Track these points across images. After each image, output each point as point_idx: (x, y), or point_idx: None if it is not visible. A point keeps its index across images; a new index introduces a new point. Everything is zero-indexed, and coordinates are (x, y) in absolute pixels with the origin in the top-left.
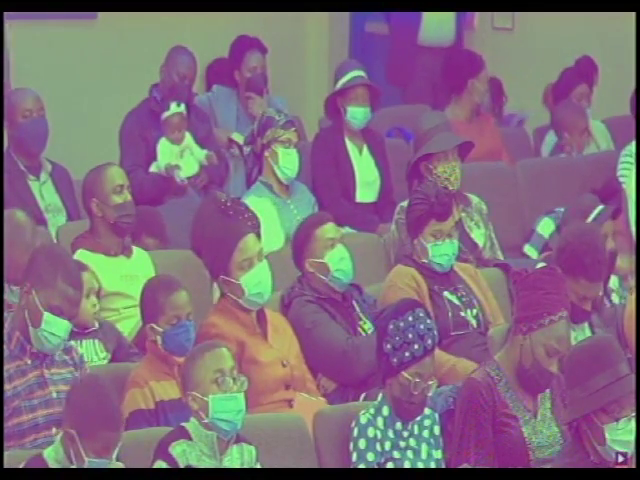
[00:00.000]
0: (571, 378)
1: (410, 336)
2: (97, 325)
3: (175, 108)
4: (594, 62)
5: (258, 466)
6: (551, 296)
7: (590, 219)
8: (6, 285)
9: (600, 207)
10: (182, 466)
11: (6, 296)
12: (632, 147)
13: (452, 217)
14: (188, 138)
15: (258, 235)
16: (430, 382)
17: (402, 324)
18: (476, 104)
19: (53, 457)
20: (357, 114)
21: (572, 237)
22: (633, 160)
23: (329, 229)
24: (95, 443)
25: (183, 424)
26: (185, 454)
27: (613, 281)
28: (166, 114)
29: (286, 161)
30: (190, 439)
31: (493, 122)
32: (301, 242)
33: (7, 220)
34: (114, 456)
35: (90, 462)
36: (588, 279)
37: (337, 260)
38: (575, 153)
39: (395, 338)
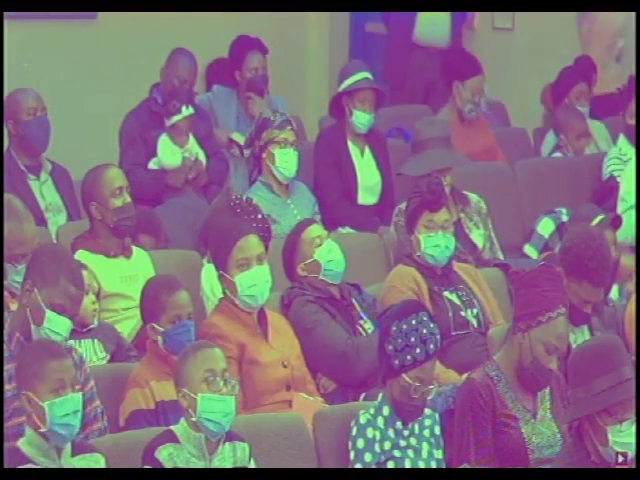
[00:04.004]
0: (575, 378)
1: (413, 340)
2: (96, 323)
3: (186, 111)
4: (593, 61)
5: (252, 463)
6: (548, 293)
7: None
8: (8, 265)
9: (600, 216)
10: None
11: (8, 279)
12: (615, 150)
13: (445, 209)
14: (192, 141)
15: (264, 238)
16: (430, 386)
17: (405, 327)
18: (457, 107)
19: (25, 442)
20: (363, 119)
21: (578, 239)
22: (620, 161)
23: (314, 229)
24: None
25: (171, 427)
26: (172, 458)
27: (613, 291)
28: (176, 118)
29: (283, 161)
30: (177, 442)
31: (485, 121)
32: (290, 250)
33: None
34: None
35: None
36: (591, 283)
37: (326, 253)
38: (571, 155)
39: (397, 340)
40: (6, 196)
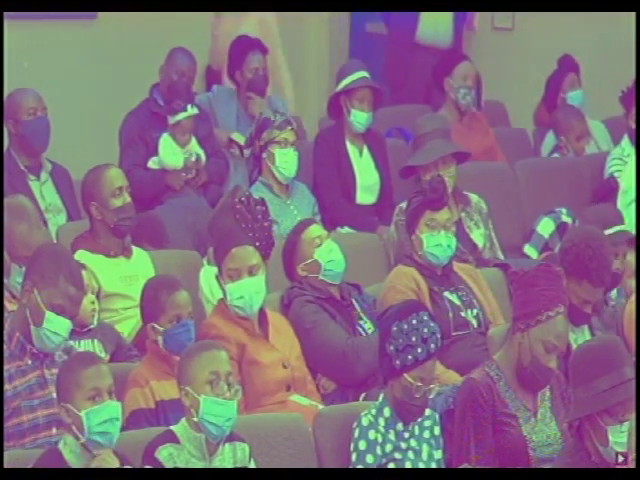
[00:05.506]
0: (575, 378)
1: (414, 339)
2: (95, 323)
3: (190, 110)
4: (575, 60)
5: (252, 464)
6: (547, 292)
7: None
8: (14, 265)
9: (620, 227)
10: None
11: (10, 279)
12: (618, 150)
13: (447, 208)
14: (193, 141)
15: (262, 247)
16: (432, 386)
17: (406, 326)
18: (454, 102)
19: (67, 449)
20: (361, 118)
21: (578, 239)
22: (622, 162)
23: (314, 229)
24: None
25: (171, 427)
26: (172, 457)
27: (612, 292)
28: (181, 115)
29: (283, 161)
30: (178, 442)
31: (484, 121)
32: (290, 250)
33: (9, 203)
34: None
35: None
36: (591, 283)
37: (326, 253)
38: (572, 155)
39: (398, 340)
40: (20, 198)
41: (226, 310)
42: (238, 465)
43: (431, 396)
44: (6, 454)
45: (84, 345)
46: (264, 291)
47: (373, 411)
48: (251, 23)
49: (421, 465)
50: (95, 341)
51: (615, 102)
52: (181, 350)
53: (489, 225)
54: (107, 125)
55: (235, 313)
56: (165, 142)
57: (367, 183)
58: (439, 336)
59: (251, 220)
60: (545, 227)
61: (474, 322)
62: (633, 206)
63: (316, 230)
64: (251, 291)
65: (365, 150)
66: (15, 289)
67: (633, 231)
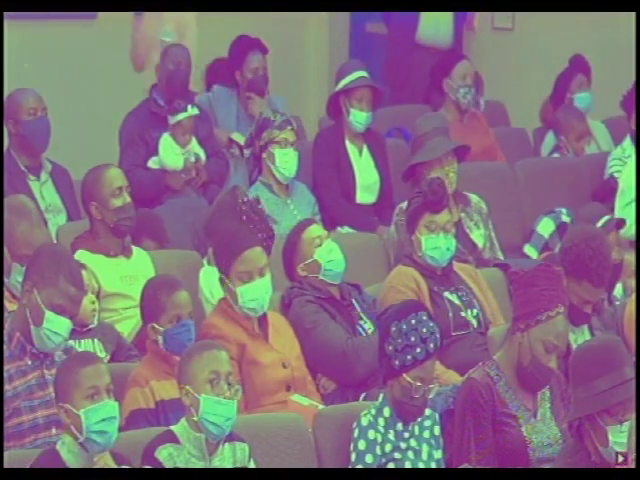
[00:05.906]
0: (575, 378)
1: (412, 339)
2: (95, 323)
3: (191, 110)
4: (586, 60)
5: (252, 464)
6: (547, 292)
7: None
8: (14, 265)
9: (606, 217)
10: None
11: (11, 278)
12: (619, 150)
13: (447, 210)
14: (193, 142)
15: (267, 247)
16: (431, 385)
17: (405, 327)
18: (454, 102)
19: (65, 449)
20: (360, 118)
21: (578, 239)
22: (622, 162)
23: (314, 229)
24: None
25: (171, 427)
26: (172, 457)
27: (617, 289)
28: (182, 115)
29: (283, 161)
30: (177, 442)
31: (484, 121)
32: (290, 250)
33: (11, 202)
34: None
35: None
36: (591, 283)
37: (326, 253)
38: (572, 155)
39: (397, 340)
40: (21, 197)
41: (226, 310)
42: (238, 465)
43: (431, 396)
44: (6, 454)
45: (84, 345)
46: (271, 290)
47: (373, 411)
48: (171, 24)
49: (421, 465)
50: (95, 341)
51: (615, 102)
52: (181, 350)
53: (489, 225)
54: (107, 125)
55: (245, 315)
56: (165, 142)
57: (367, 183)
58: (438, 336)
59: (258, 221)
60: (545, 227)
61: (474, 322)
62: (632, 206)
63: (316, 230)
64: (262, 292)
65: (365, 150)
66: (15, 288)
67: (633, 231)
